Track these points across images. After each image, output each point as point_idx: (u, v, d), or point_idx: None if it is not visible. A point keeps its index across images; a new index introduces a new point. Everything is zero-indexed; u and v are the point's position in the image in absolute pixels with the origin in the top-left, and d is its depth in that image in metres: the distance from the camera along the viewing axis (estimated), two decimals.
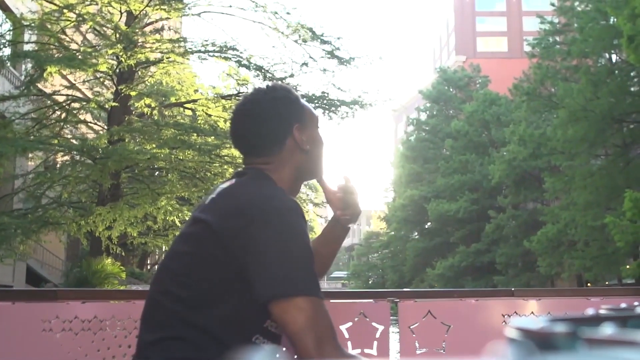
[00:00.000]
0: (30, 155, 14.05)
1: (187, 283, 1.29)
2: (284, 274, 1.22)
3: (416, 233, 39.55)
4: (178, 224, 14.51)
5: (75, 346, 1.90)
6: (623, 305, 0.65)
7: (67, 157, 13.98)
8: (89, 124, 16.11)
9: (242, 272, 1.24)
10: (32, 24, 13.13)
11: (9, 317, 1.91)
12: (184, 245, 1.34)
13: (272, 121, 1.44)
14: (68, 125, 15.11)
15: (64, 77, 14.79)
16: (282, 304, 1.20)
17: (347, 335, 1.94)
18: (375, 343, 1.98)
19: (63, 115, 14.47)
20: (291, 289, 1.21)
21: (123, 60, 12.57)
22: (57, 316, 1.91)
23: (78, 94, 15.21)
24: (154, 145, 12.92)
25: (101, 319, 1.94)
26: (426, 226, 38.16)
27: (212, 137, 13.68)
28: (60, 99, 14.50)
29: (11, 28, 13.87)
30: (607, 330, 0.46)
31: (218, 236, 1.27)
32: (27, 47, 13.79)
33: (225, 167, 14.05)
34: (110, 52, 12.70)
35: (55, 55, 12.76)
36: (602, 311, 0.59)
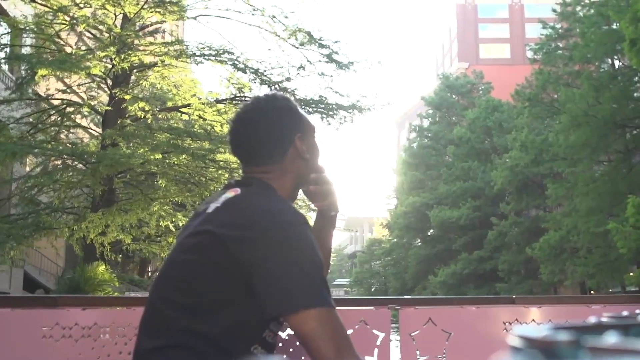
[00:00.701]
0: (27, 160, 13.96)
1: (190, 291, 1.29)
2: (297, 287, 1.24)
3: (418, 240, 39.51)
4: (172, 229, 14.38)
5: (76, 353, 1.90)
6: (625, 313, 0.64)
7: (60, 162, 13.84)
8: (86, 128, 15.91)
9: (247, 283, 1.25)
10: (27, 27, 13.02)
11: (9, 323, 1.91)
12: (186, 254, 1.34)
13: (276, 130, 1.46)
14: (64, 130, 14.93)
15: (61, 80, 14.71)
16: (298, 317, 1.22)
17: None
18: (376, 350, 1.97)
19: (59, 119, 14.30)
20: (305, 301, 1.22)
21: (116, 63, 12.44)
22: (57, 323, 1.90)
23: (75, 98, 15.04)
24: (146, 150, 12.73)
25: (101, 326, 1.94)
26: (428, 233, 38.12)
27: (207, 142, 13.55)
28: (56, 102, 14.35)
29: (7, 31, 13.81)
30: (610, 339, 0.46)
31: (225, 246, 1.27)
32: (22, 51, 13.70)
33: (220, 172, 13.89)
34: (102, 54, 12.53)
35: (49, 59, 12.60)
36: (604, 319, 0.58)
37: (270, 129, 1.46)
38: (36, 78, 12.40)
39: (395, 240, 41.56)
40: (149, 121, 13.37)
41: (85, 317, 1.93)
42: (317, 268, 1.27)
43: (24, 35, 13.71)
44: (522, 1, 58.89)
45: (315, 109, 14.35)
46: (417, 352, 2.02)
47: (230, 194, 1.39)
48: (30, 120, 14.24)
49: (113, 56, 12.39)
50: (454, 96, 40.96)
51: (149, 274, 24.06)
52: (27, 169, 14.82)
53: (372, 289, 45.81)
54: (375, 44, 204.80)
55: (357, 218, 63.31)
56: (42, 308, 2.01)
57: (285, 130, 1.47)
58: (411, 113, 55.17)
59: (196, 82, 15.70)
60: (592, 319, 0.58)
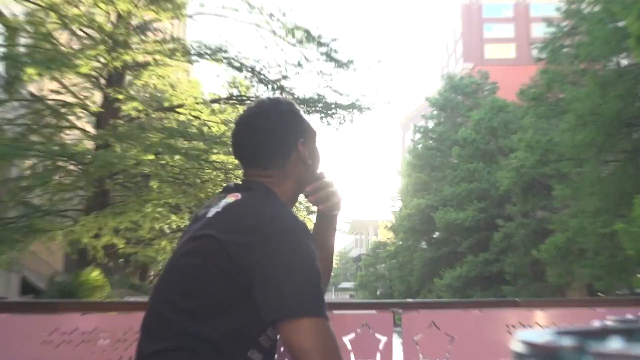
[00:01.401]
0: (24, 162, 13.82)
1: (191, 294, 1.30)
2: (293, 294, 1.24)
3: (423, 242, 39.43)
4: (167, 231, 14.24)
5: (76, 358, 1.89)
6: (629, 316, 0.63)
7: (50, 163, 13.69)
8: (81, 129, 15.80)
9: (247, 288, 1.26)
10: (18, 27, 12.79)
11: (9, 328, 1.90)
12: (187, 258, 1.35)
13: (280, 135, 1.47)
14: (59, 131, 14.59)
15: (57, 81, 14.59)
16: (290, 325, 1.22)
17: (350, 347, 1.93)
18: (378, 354, 1.96)
19: (54, 120, 14.04)
20: (299, 309, 1.23)
21: (107, 61, 12.27)
22: (57, 328, 1.90)
23: (71, 98, 14.74)
24: (139, 150, 12.48)
25: (101, 331, 1.93)
26: (433, 235, 38.05)
27: (201, 142, 13.35)
28: (50, 103, 14.11)
29: (1, 31, 13.73)
30: (613, 344, 0.44)
31: (226, 251, 1.28)
32: (17, 50, 13.64)
33: (216, 173, 13.72)
34: (93, 53, 12.32)
35: (40, 58, 12.29)
36: (608, 323, 0.57)
37: (273, 134, 1.47)
38: (24, 77, 12.10)
39: (400, 242, 41.51)
40: (143, 120, 13.28)
41: (85, 322, 1.93)
42: (315, 277, 1.28)
43: (18, 34, 13.62)
44: (527, 0, 58.85)
45: (313, 108, 14.20)
46: (420, 356, 2.00)
47: (230, 198, 1.40)
48: (25, 121, 14.10)
49: (104, 55, 12.21)
50: (458, 97, 40.92)
51: (151, 279, 24.08)
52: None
53: (377, 293, 45.76)
54: (379, 44, 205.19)
55: (361, 221, 63.36)
56: (42, 313, 2.01)
57: (288, 135, 1.48)
58: (415, 114, 55.20)
59: (194, 82, 15.59)
60: (596, 323, 0.57)
